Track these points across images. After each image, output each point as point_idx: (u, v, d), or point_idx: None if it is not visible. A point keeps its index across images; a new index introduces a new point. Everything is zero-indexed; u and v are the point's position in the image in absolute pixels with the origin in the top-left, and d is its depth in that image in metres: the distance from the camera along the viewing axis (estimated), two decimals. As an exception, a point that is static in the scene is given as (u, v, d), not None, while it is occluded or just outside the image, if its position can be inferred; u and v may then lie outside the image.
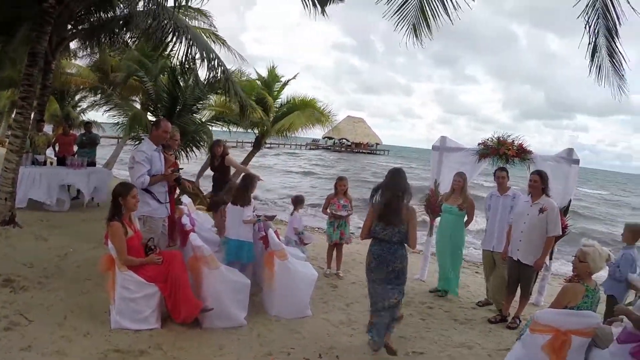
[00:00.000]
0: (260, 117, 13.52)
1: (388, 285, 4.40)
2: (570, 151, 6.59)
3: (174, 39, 8.26)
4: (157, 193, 5.35)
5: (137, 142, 10.70)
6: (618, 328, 3.76)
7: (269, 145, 55.62)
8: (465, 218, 6.63)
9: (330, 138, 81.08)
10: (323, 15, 7.81)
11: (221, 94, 10.18)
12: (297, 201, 7.43)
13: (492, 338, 5.30)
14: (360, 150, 79.91)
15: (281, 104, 15.08)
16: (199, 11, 12.47)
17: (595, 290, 3.83)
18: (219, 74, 8.89)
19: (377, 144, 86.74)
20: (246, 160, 15.04)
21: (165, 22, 8.07)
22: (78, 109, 22.80)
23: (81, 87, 17.96)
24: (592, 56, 6.22)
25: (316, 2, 7.78)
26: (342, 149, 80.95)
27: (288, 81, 15.25)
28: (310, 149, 79.92)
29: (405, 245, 4.42)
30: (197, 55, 8.49)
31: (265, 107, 13.98)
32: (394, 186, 4.35)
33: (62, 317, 4.50)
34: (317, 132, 15.76)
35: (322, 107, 14.82)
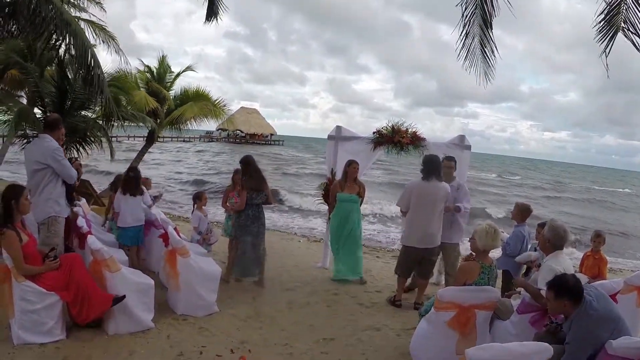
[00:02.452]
0: (155, 108, 12.96)
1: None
2: (462, 137, 6.99)
3: (54, 32, 7.57)
4: (63, 192, 5.19)
5: (25, 141, 9.71)
6: (517, 300, 4.10)
7: (161, 140, 53.48)
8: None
9: (224, 130, 79.53)
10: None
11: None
12: (197, 197, 7.21)
13: (399, 318, 5.52)
14: (255, 141, 79.41)
15: (174, 96, 14.53)
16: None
17: (491, 267, 4.12)
18: (96, 73, 8.28)
19: (271, 134, 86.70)
20: (139, 156, 14.35)
21: (49, 12, 7.38)
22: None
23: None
24: (464, 43, 6.54)
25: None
26: (237, 140, 79.90)
27: (181, 72, 14.76)
28: (204, 141, 77.95)
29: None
30: (73, 52, 7.85)
31: (159, 100, 13.42)
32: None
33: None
34: (211, 125, 15.33)
35: (215, 100, 14.50)
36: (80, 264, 4.48)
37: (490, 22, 6.58)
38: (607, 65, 4.79)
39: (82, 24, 11.07)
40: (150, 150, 15.25)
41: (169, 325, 4.82)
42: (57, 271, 4.32)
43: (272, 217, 15.15)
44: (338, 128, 7.50)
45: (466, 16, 6.47)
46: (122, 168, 10.47)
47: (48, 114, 9.82)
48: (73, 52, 7.80)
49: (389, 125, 6.97)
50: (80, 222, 5.71)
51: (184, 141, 67.27)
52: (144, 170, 9.74)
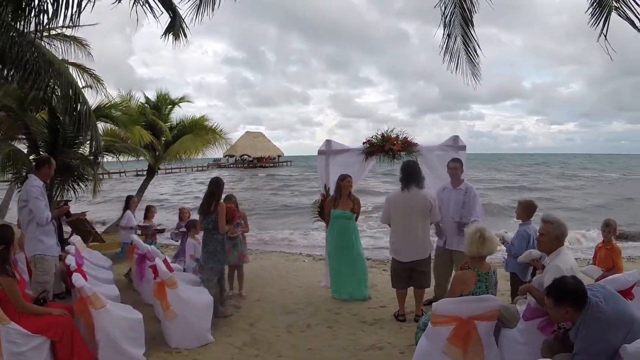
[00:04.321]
0: (150, 142, 12.89)
1: None
2: (455, 138, 6.72)
3: (39, 74, 7.54)
4: (49, 231, 5.25)
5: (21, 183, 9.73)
6: (523, 306, 3.82)
7: (166, 171, 53.70)
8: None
9: (231, 156, 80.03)
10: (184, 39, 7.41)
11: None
12: (191, 226, 7.04)
13: (403, 334, 5.25)
14: (263, 165, 79.58)
15: (171, 127, 14.48)
16: (74, 39, 11.57)
17: (488, 273, 3.83)
18: (82, 110, 8.21)
19: (279, 156, 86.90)
20: (142, 189, 14.28)
21: (32, 54, 7.36)
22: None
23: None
24: (447, 45, 6.38)
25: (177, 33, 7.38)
26: (245, 165, 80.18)
27: (176, 103, 14.71)
28: (212, 169, 78.26)
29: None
30: (58, 92, 7.80)
31: (155, 132, 13.37)
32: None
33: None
34: (217, 152, 15.26)
35: (213, 125, 14.44)
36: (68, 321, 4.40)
37: (471, 20, 6.42)
38: (607, 48, 4.57)
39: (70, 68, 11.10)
40: (153, 182, 15.23)
41: (161, 359, 4.68)
42: (40, 316, 4.24)
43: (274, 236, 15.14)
44: (328, 142, 7.31)
45: (446, 16, 6.34)
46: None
47: (40, 155, 9.84)
48: (58, 92, 7.78)
49: (379, 133, 6.74)
50: (69, 259, 5.58)
51: (192, 171, 67.44)
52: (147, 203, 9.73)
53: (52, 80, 7.58)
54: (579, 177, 47.16)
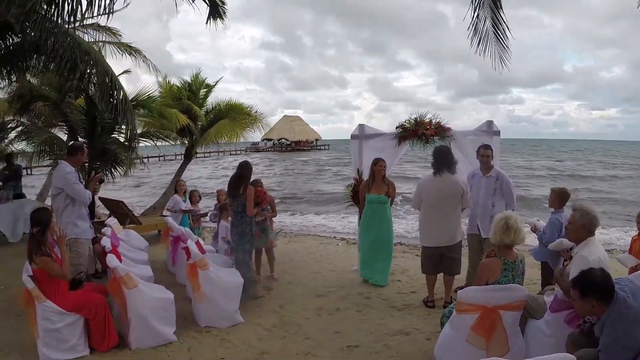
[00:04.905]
0: (187, 125, 13.08)
1: None
2: (489, 123, 6.62)
3: (76, 63, 7.76)
4: (84, 215, 5.44)
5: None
6: (550, 297, 3.73)
7: (205, 155, 54.51)
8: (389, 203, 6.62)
9: (269, 139, 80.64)
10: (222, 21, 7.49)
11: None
12: (223, 208, 7.16)
13: (431, 320, 5.20)
14: (301, 148, 79.85)
15: (207, 111, 14.62)
16: (107, 29, 11.84)
17: (515, 262, 3.74)
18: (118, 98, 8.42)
19: (316, 140, 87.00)
20: (178, 173, 14.53)
21: (67, 45, 7.58)
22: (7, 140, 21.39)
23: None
24: (475, 27, 6.21)
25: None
26: (283, 148, 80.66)
27: (212, 87, 14.77)
28: (250, 152, 79.03)
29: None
30: (95, 80, 8.01)
31: (191, 116, 13.54)
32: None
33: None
34: (255, 135, 15.29)
35: (249, 108, 14.47)
36: (100, 291, 4.74)
37: (500, 2, 6.23)
38: None
39: (105, 47, 11.37)
40: (191, 167, 15.46)
41: (191, 338, 4.81)
42: (75, 294, 4.51)
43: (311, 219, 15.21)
44: (361, 126, 7.27)
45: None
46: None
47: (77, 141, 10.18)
48: (95, 80, 7.99)
49: (412, 118, 6.66)
50: (104, 241, 5.77)
51: (230, 154, 68.26)
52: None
53: (88, 69, 7.79)
54: (625, 166, 44.26)
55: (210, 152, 54.30)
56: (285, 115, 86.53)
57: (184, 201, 8.69)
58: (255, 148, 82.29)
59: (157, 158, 49.31)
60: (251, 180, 6.26)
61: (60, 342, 4.28)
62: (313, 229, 13.40)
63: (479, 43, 6.13)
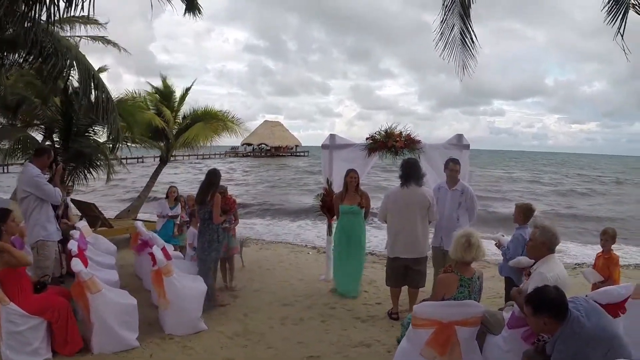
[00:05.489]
0: (161, 128, 13.00)
1: None
2: (459, 137, 6.72)
3: (54, 61, 7.65)
4: (51, 217, 5.45)
5: None
6: (508, 313, 3.76)
7: (184, 158, 54.06)
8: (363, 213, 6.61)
9: (249, 144, 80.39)
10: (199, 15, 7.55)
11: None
12: (192, 215, 7.13)
13: (394, 333, 5.18)
14: (280, 154, 79.79)
15: (184, 116, 14.53)
16: (87, 20, 11.72)
17: (471, 279, 3.77)
18: (100, 97, 8.33)
19: (296, 146, 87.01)
20: (154, 176, 14.40)
21: (45, 44, 7.47)
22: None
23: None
24: (442, 33, 6.24)
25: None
26: (262, 154, 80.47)
27: (187, 91, 14.69)
28: (229, 156, 78.67)
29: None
30: (77, 77, 7.93)
31: (165, 120, 13.46)
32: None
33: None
34: (231, 140, 15.17)
35: (226, 114, 14.41)
36: (63, 295, 4.73)
37: (469, 12, 6.28)
38: (624, 47, 4.46)
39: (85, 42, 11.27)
40: (167, 171, 15.32)
41: (154, 345, 4.79)
42: (39, 297, 4.51)
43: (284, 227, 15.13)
44: (332, 136, 7.30)
45: (446, 5, 6.20)
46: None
47: (54, 141, 10.05)
48: (76, 77, 7.89)
49: (382, 129, 6.72)
50: (71, 244, 5.70)
51: (207, 158, 67.75)
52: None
53: (68, 65, 7.69)
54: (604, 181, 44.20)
55: (188, 156, 53.83)
56: (266, 120, 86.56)
57: (173, 208, 8.44)
58: (234, 152, 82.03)
59: (136, 160, 48.75)
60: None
61: (23, 345, 4.28)
62: (284, 237, 13.39)
63: (444, 48, 6.17)
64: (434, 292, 3.82)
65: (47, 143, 10.18)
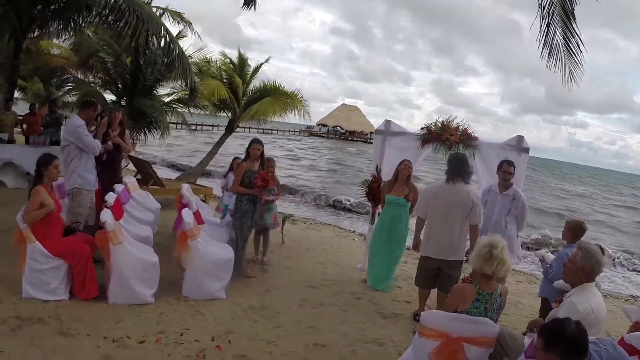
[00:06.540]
0: (229, 98, 13.15)
1: None
2: (520, 139, 6.24)
3: (128, 18, 7.87)
4: (90, 167, 5.58)
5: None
6: (528, 340, 3.36)
7: (258, 131, 55.13)
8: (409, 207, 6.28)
9: (324, 125, 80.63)
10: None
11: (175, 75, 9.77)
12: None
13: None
14: (354, 139, 79.36)
15: (254, 88, 14.65)
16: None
17: (492, 294, 3.36)
18: (175, 52, 8.51)
19: (371, 132, 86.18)
20: (218, 144, 14.67)
21: (119, 3, 7.70)
22: (65, 89, 22.51)
23: (65, 67, 17.56)
24: (545, 39, 5.85)
25: None
26: (336, 136, 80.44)
27: (260, 65, 14.84)
28: (304, 135, 79.31)
29: None
30: (150, 33, 8.13)
31: (234, 91, 13.62)
32: None
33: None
34: (297, 118, 15.11)
35: (293, 92, 14.38)
36: (88, 242, 4.82)
37: (572, 12, 5.80)
38: None
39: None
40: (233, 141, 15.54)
41: (167, 304, 4.82)
42: (64, 241, 4.71)
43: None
44: (387, 122, 6.99)
45: (544, 7, 5.77)
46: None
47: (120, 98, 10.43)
48: (150, 33, 8.08)
49: (439, 121, 6.32)
50: (109, 197, 5.76)
51: (283, 134, 68.68)
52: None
53: (141, 23, 7.87)
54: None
55: (264, 129, 54.93)
56: (343, 104, 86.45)
57: None
58: (309, 132, 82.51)
59: (195, 126, 50.05)
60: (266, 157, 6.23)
61: (43, 283, 4.47)
62: (334, 221, 13.18)
63: (549, 55, 5.75)
64: (448, 302, 3.45)
65: (114, 100, 10.55)
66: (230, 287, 5.35)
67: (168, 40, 8.48)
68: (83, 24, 9.81)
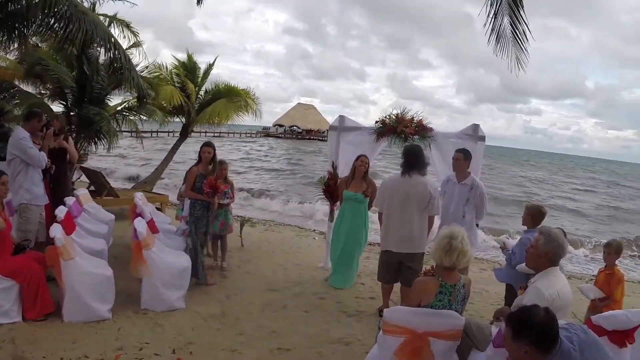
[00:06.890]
0: (182, 103, 12.80)
1: None
2: (475, 127, 6.25)
3: (71, 26, 7.50)
4: (38, 181, 5.39)
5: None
6: (496, 329, 3.30)
7: (214, 134, 54.36)
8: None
9: (280, 125, 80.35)
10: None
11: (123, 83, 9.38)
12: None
13: (379, 331, 4.87)
14: (312, 137, 79.38)
15: (206, 91, 14.32)
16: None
17: (455, 286, 3.26)
18: (120, 60, 8.16)
19: (327, 130, 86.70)
20: (173, 150, 14.27)
21: (62, 7, 7.32)
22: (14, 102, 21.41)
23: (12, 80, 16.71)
24: (492, 24, 5.88)
25: None
26: (293, 136, 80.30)
27: (210, 66, 14.51)
28: (260, 136, 78.76)
29: None
30: (96, 41, 7.77)
31: (187, 95, 13.28)
32: None
33: None
34: (250, 119, 14.85)
35: (247, 91, 14.13)
36: (38, 260, 4.62)
37: (521, 1, 5.86)
38: None
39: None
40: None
41: (125, 318, 4.64)
42: (13, 260, 4.49)
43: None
44: (341, 118, 6.91)
45: None
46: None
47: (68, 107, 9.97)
48: (96, 40, 7.72)
49: (393, 114, 6.27)
50: (59, 210, 5.55)
51: (239, 137, 67.94)
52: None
53: (85, 29, 7.53)
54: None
55: (220, 133, 53.97)
56: (299, 103, 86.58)
57: None
58: (266, 133, 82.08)
59: (150, 134, 48.82)
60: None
61: None
62: (294, 220, 13.04)
63: (497, 41, 5.79)
64: (410, 296, 3.36)
65: (63, 111, 10.09)
66: (190, 296, 5.19)
67: (114, 47, 8.14)
68: (26, 32, 9.32)
